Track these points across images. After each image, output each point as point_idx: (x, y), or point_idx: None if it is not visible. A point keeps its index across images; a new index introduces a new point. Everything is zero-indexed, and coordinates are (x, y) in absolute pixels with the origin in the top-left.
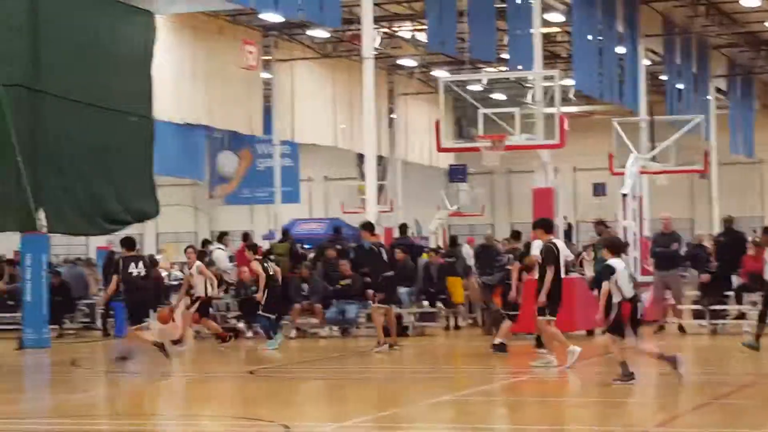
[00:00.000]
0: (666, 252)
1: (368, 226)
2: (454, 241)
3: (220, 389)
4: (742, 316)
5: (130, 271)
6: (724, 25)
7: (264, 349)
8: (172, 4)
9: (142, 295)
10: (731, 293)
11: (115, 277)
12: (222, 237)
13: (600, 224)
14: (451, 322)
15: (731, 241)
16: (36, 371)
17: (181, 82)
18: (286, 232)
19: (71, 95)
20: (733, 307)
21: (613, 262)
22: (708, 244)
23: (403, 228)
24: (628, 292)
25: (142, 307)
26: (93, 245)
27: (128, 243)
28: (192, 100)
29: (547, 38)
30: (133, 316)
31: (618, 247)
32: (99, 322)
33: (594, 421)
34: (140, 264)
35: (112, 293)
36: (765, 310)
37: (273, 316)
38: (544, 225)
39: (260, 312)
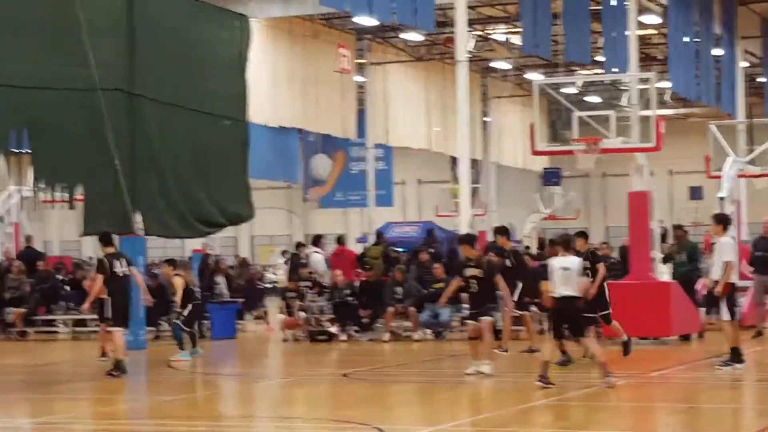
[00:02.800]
0: (766, 256)
1: (503, 231)
2: (544, 245)
3: (314, 392)
4: None
5: (114, 269)
6: None
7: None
8: (267, 8)
9: (127, 295)
10: None
11: (100, 276)
12: (318, 240)
13: (679, 229)
14: (545, 326)
15: None
16: (133, 372)
17: (275, 86)
18: (380, 235)
19: (168, 99)
20: None
21: None
22: None
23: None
24: None
25: (126, 309)
26: (188, 248)
27: (106, 239)
28: (286, 104)
29: (643, 40)
30: (116, 318)
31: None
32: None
33: (688, 426)
34: (123, 262)
35: (98, 293)
36: None
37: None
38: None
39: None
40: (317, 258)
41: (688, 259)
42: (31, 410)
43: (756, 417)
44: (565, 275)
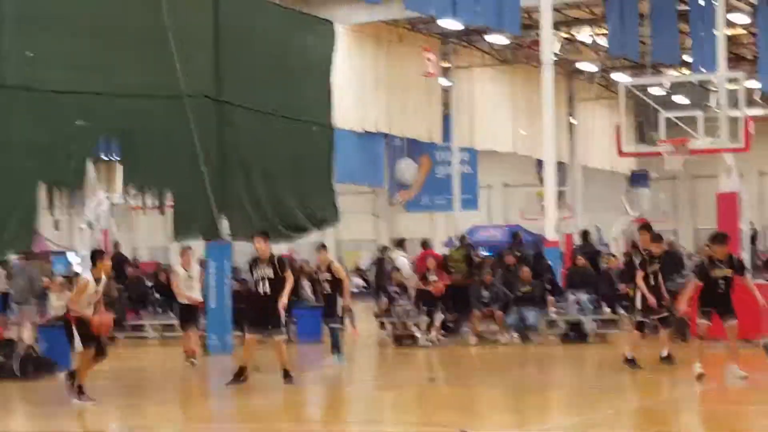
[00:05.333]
0: None
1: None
2: (635, 247)
3: (401, 396)
4: None
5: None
6: None
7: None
8: (353, 13)
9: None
10: None
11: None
12: (401, 243)
13: None
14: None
15: None
16: (221, 375)
17: (361, 91)
18: (463, 238)
19: (254, 105)
20: None
21: None
22: None
23: (585, 234)
24: None
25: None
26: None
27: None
28: (372, 108)
29: (732, 40)
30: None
31: None
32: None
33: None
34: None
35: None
36: None
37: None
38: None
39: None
40: (402, 261)
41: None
42: (121, 414)
43: None
44: None
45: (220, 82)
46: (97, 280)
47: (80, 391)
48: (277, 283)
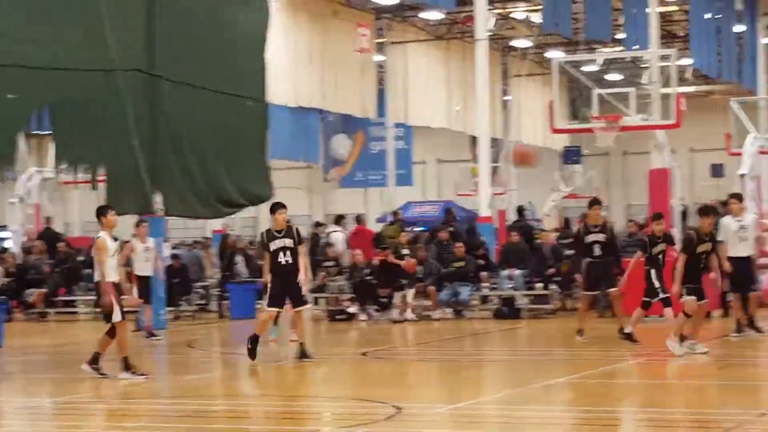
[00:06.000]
0: None
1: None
2: (567, 224)
3: (333, 371)
4: None
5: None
6: None
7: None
8: None
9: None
10: None
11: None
12: (339, 220)
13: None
14: (567, 304)
15: None
16: (154, 352)
17: (295, 66)
18: (396, 214)
19: (187, 79)
20: None
21: None
22: None
23: (520, 210)
24: None
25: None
26: (209, 228)
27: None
28: (306, 84)
29: (664, 17)
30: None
31: None
32: (214, 305)
33: (711, 402)
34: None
35: None
36: None
37: None
38: None
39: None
40: (338, 237)
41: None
42: (54, 390)
43: None
44: None
45: (153, 55)
46: None
47: None
48: (295, 253)
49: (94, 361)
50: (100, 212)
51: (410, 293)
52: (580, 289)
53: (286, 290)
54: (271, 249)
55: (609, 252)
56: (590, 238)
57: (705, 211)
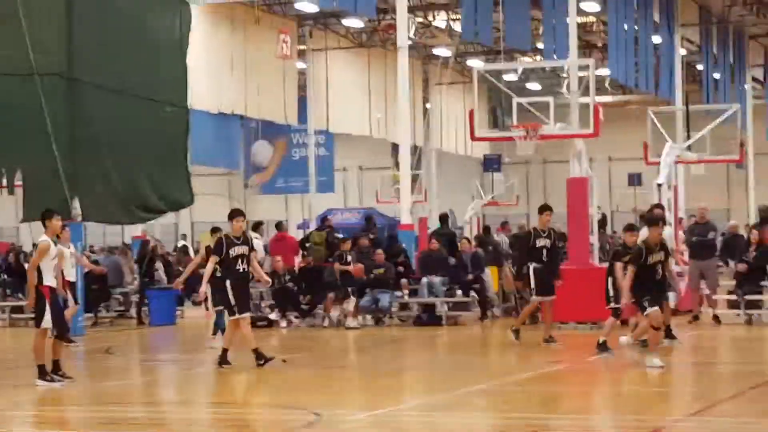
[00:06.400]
0: (702, 241)
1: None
2: (487, 231)
3: (254, 378)
4: None
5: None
6: (762, 14)
7: None
8: None
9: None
10: (767, 284)
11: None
12: (258, 226)
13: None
14: (488, 312)
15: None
16: (71, 359)
17: (216, 72)
18: (324, 220)
19: (108, 84)
20: None
21: None
22: (744, 233)
23: (443, 218)
24: None
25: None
26: (128, 234)
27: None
28: (228, 90)
29: (583, 27)
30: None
31: None
32: (133, 311)
33: (629, 410)
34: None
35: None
36: None
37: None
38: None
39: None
40: (257, 244)
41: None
42: None
43: (691, 400)
44: None
45: (72, 60)
46: None
47: None
48: (249, 261)
49: (55, 369)
50: (45, 216)
51: (351, 301)
52: (530, 293)
53: (246, 296)
54: (231, 255)
55: (553, 258)
56: (540, 243)
57: (653, 221)
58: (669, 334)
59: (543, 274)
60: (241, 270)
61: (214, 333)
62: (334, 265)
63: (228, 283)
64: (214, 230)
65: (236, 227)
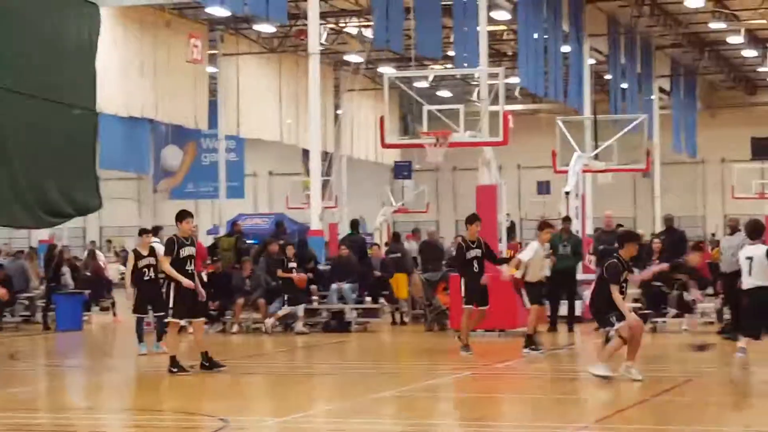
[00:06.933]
0: (609, 249)
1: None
2: (396, 237)
3: (162, 383)
4: (681, 314)
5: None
6: (668, 25)
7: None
8: None
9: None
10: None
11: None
12: (157, 231)
13: (567, 221)
14: (397, 318)
15: (672, 240)
16: None
17: (126, 76)
18: (234, 225)
19: (14, 87)
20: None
21: None
22: (655, 242)
23: (354, 224)
24: None
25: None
26: (35, 238)
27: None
28: (137, 94)
29: (493, 36)
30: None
31: None
32: (39, 316)
33: (535, 416)
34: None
35: None
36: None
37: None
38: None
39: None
40: (158, 249)
41: (572, 252)
42: None
43: (596, 407)
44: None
45: None
46: None
47: None
48: (195, 263)
49: None
50: None
51: (300, 308)
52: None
53: (195, 298)
54: (182, 256)
55: (483, 267)
56: (471, 254)
57: (630, 237)
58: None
59: (475, 284)
60: (189, 271)
61: (159, 339)
62: (278, 271)
63: (180, 284)
64: (143, 232)
65: (186, 228)
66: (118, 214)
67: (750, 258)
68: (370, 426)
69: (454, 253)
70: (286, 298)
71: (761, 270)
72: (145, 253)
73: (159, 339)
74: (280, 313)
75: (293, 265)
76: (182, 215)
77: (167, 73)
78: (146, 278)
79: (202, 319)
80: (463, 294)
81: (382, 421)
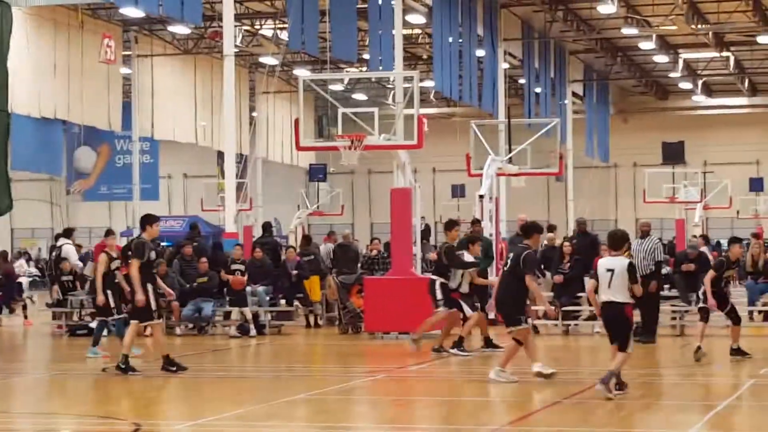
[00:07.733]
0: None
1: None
2: (308, 240)
3: (73, 387)
4: (593, 317)
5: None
6: (582, 30)
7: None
8: None
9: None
10: (583, 294)
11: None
12: (70, 233)
13: (477, 224)
14: (311, 321)
15: (584, 243)
16: None
17: (39, 76)
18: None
19: None
20: (585, 308)
21: None
22: (566, 245)
23: (266, 226)
24: None
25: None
26: None
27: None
28: (50, 94)
29: (408, 39)
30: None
31: None
32: None
33: (446, 418)
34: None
35: None
36: None
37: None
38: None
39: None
40: (69, 250)
41: (484, 254)
42: None
43: (507, 409)
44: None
45: None
46: None
47: None
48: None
49: None
50: None
51: (247, 311)
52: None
53: (157, 301)
54: (150, 259)
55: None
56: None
57: (535, 228)
58: (489, 344)
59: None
60: (155, 273)
61: (96, 343)
62: (221, 273)
63: (150, 287)
64: (109, 233)
65: (154, 232)
66: (29, 216)
67: (611, 270)
68: (282, 429)
69: (444, 258)
70: (227, 300)
71: (621, 284)
72: (114, 254)
73: (95, 344)
74: (249, 316)
75: (238, 267)
76: (151, 219)
77: (80, 73)
78: (116, 280)
79: (161, 321)
80: (439, 297)
81: (294, 425)
